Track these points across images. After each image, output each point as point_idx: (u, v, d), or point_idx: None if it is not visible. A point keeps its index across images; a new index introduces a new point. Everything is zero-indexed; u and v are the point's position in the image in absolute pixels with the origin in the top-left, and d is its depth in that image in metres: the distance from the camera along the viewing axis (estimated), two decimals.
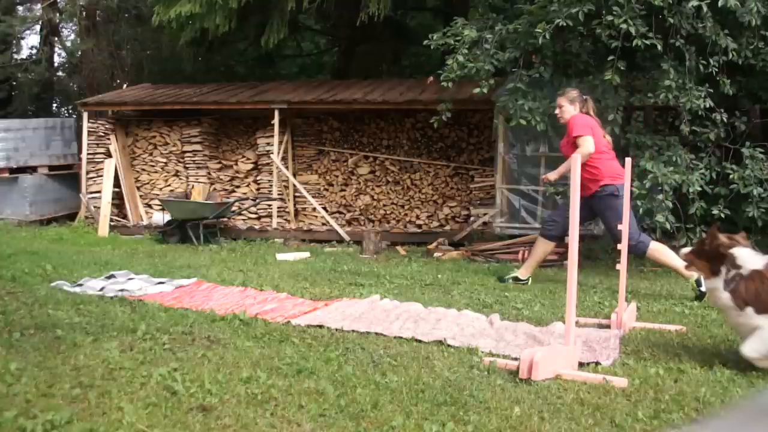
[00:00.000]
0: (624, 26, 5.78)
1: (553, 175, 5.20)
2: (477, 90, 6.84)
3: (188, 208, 8.71)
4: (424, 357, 3.24)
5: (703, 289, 4.67)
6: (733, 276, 2.99)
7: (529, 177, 8.44)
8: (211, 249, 7.94)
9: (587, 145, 4.91)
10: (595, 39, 6.12)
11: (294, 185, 9.72)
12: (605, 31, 5.92)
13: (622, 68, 6.10)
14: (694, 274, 4.40)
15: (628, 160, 4.29)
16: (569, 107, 5.26)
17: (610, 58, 6.06)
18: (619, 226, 4.23)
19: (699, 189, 6.02)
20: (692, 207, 6.07)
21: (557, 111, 5.39)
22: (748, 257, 3.02)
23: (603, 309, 4.41)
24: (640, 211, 5.95)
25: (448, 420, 2.44)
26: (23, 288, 4.67)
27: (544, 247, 5.51)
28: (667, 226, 5.93)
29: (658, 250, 5.04)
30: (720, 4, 5.67)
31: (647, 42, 5.83)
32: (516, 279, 5.54)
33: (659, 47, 5.88)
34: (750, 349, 2.95)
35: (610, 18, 5.84)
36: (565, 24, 5.99)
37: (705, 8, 5.70)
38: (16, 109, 15.97)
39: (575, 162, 3.51)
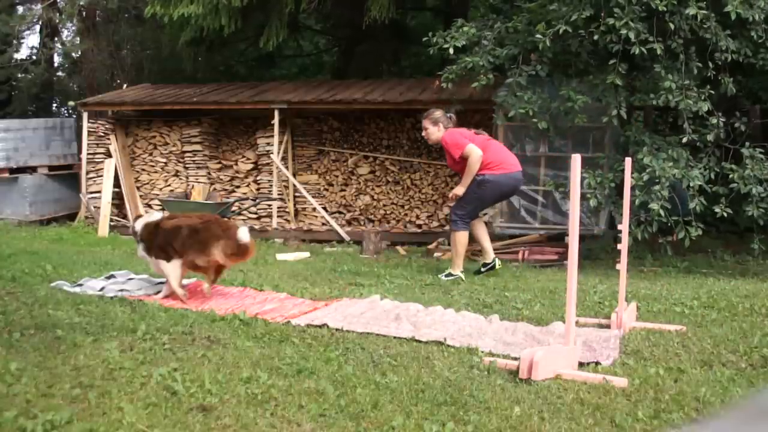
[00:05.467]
0: (624, 31, 5.78)
1: (459, 190, 5.60)
2: (476, 84, 6.84)
3: (188, 208, 8.71)
4: (424, 357, 3.23)
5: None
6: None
7: (529, 177, 8.42)
8: None
9: (473, 152, 5.42)
10: (595, 41, 6.13)
11: (294, 185, 9.72)
12: (605, 36, 5.92)
13: (622, 71, 6.10)
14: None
15: (628, 159, 4.28)
16: (433, 129, 5.63)
17: (612, 61, 6.06)
18: (620, 226, 4.24)
19: (699, 184, 6.01)
20: (692, 202, 6.06)
21: (423, 133, 5.77)
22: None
23: (603, 309, 4.40)
24: (636, 202, 5.94)
25: (448, 420, 2.44)
26: (23, 288, 4.66)
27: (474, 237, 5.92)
28: (662, 213, 5.91)
29: (460, 241, 5.64)
30: (727, 9, 5.69)
31: (645, 49, 5.84)
32: (485, 265, 5.78)
33: (659, 51, 5.88)
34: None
35: (611, 21, 5.83)
36: (564, 29, 6.02)
37: (701, 16, 5.73)
38: (15, 109, 15.96)
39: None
